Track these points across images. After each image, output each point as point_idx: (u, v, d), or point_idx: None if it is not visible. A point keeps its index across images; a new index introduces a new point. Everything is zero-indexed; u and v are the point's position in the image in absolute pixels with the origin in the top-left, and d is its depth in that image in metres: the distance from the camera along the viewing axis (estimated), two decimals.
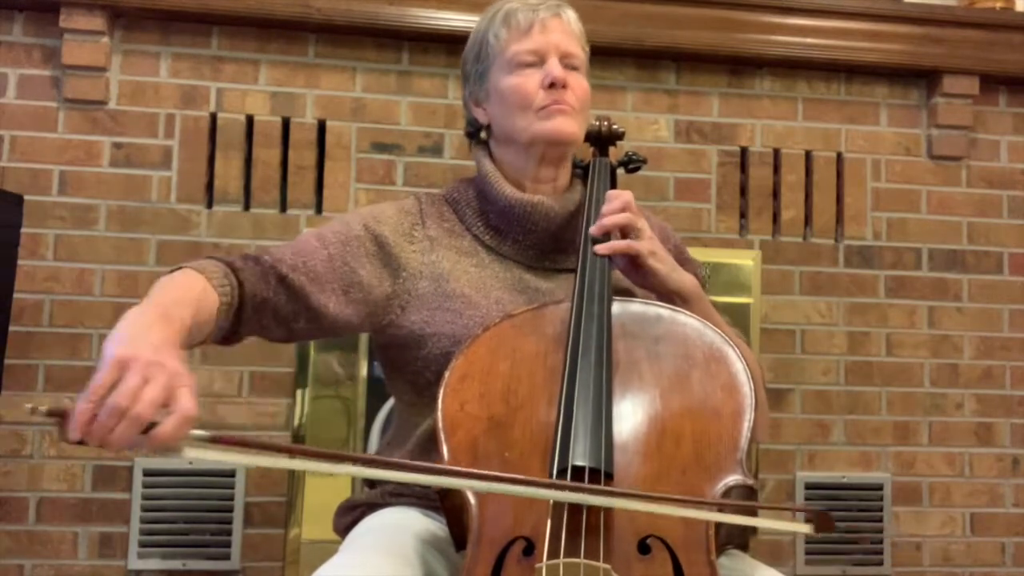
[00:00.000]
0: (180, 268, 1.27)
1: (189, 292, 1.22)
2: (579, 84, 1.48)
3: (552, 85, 1.44)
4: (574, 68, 1.48)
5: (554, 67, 1.44)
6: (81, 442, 0.98)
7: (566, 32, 1.48)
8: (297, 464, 1.12)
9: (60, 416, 0.98)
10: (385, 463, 1.24)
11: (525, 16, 1.47)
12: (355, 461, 1.12)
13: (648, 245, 1.37)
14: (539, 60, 1.46)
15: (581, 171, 1.56)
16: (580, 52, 1.50)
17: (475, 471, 1.11)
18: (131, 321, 1.08)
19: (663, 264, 1.37)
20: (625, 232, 1.38)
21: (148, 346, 1.02)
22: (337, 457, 1.11)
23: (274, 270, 1.35)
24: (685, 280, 1.39)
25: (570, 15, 1.51)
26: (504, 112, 1.48)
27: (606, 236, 1.38)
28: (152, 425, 0.98)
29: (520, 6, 1.48)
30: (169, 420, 0.99)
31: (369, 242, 1.44)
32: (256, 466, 1.22)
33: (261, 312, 1.34)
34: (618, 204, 1.38)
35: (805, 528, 1.12)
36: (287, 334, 1.41)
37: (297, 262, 1.37)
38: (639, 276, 1.38)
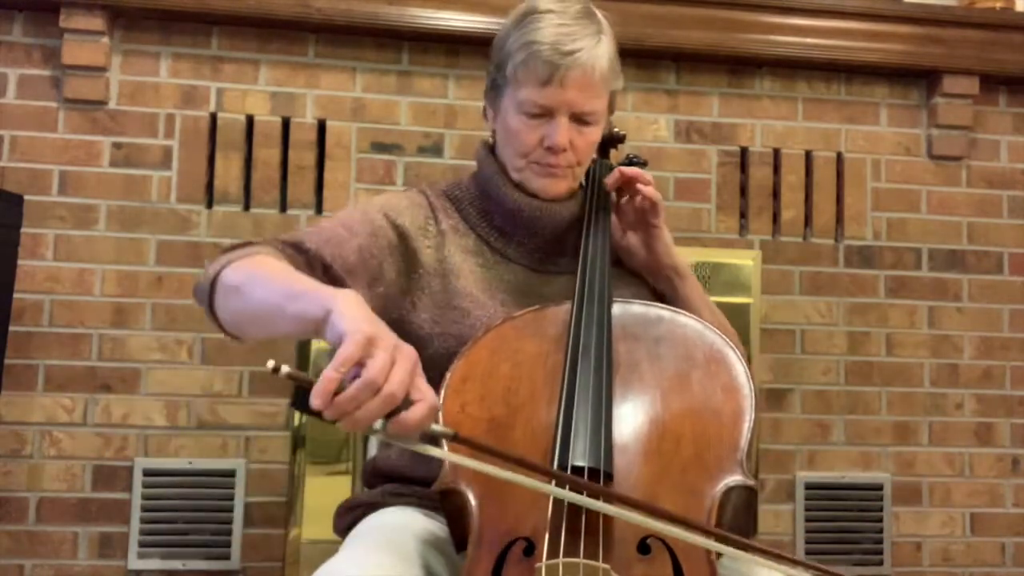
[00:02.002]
0: (255, 254, 1.26)
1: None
2: (584, 140, 1.42)
3: (550, 148, 1.40)
4: (585, 124, 1.41)
5: (558, 131, 1.38)
6: (317, 413, 0.95)
7: (586, 87, 1.38)
8: (527, 481, 1.03)
9: (301, 382, 0.96)
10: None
11: (545, 66, 1.36)
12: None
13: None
14: (548, 114, 1.39)
15: None
16: (598, 106, 1.41)
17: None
18: (346, 300, 1.07)
19: (668, 235, 1.49)
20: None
21: (384, 328, 1.03)
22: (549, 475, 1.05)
23: (319, 259, 1.34)
24: (682, 259, 1.50)
25: (599, 57, 1.38)
26: (502, 142, 1.46)
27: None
28: (395, 411, 0.98)
29: (546, 47, 1.36)
30: (418, 407, 0.99)
31: (392, 232, 1.42)
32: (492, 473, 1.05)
33: None
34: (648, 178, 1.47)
35: None
36: None
37: (335, 252, 1.35)
38: (645, 237, 1.47)
